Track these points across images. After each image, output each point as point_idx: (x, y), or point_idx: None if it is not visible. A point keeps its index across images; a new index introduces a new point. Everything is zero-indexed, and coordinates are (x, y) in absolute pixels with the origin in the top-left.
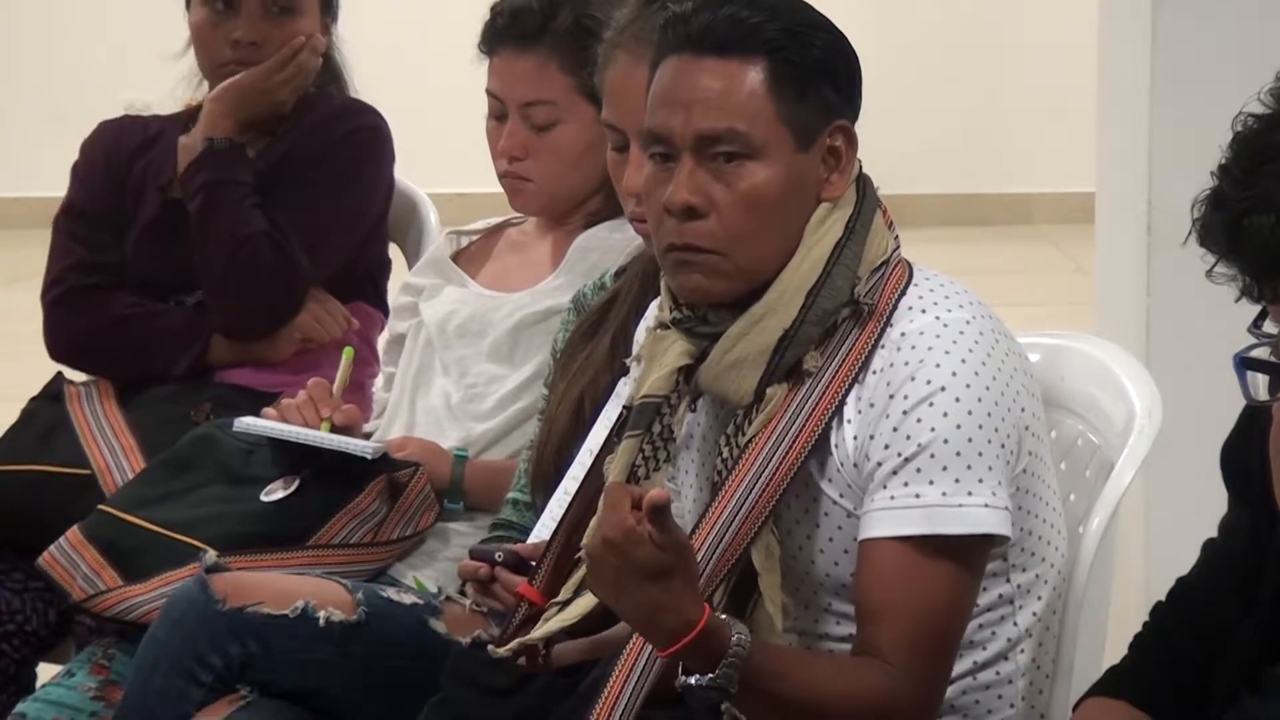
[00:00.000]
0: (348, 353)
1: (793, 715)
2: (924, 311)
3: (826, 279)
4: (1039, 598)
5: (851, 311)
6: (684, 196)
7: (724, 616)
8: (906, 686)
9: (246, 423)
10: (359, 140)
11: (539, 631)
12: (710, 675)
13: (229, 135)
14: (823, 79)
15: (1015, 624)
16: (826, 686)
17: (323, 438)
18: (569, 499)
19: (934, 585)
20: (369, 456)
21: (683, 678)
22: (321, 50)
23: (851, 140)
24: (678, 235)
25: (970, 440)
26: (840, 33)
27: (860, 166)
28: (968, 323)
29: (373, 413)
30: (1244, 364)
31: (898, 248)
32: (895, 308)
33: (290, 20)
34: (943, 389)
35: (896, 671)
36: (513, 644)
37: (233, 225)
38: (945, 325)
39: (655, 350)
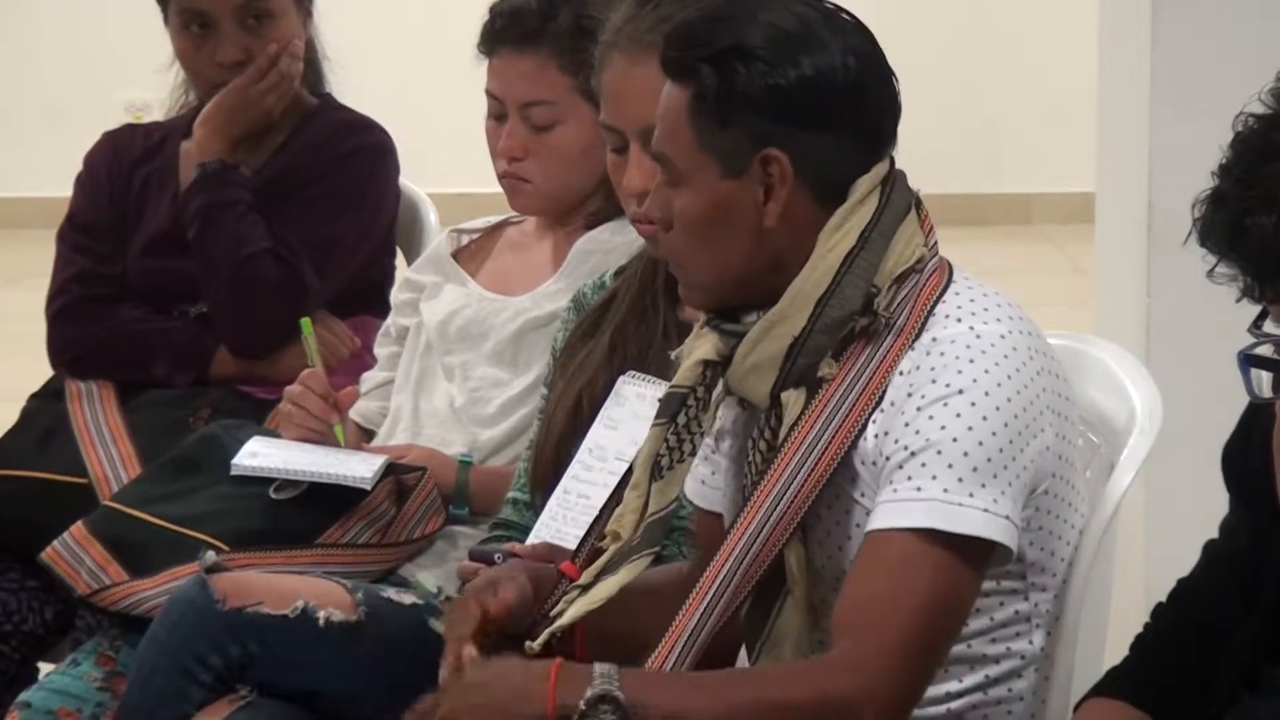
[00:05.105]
0: (305, 325)
1: None
2: (959, 320)
3: (836, 289)
4: (1057, 617)
5: (869, 322)
6: (646, 209)
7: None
8: (878, 684)
9: (243, 465)
10: (365, 158)
11: (566, 618)
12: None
13: (220, 156)
14: (747, 108)
15: (1031, 642)
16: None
17: (321, 472)
18: (570, 496)
19: (925, 581)
20: (369, 488)
21: None
22: (300, 53)
23: (786, 170)
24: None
25: (980, 444)
26: (801, 56)
27: (890, 167)
28: (1001, 337)
29: (360, 388)
30: (1248, 361)
31: (936, 255)
32: (931, 314)
33: (268, 26)
34: (960, 392)
35: (877, 667)
36: (543, 636)
37: (232, 247)
38: (978, 336)
39: (692, 345)
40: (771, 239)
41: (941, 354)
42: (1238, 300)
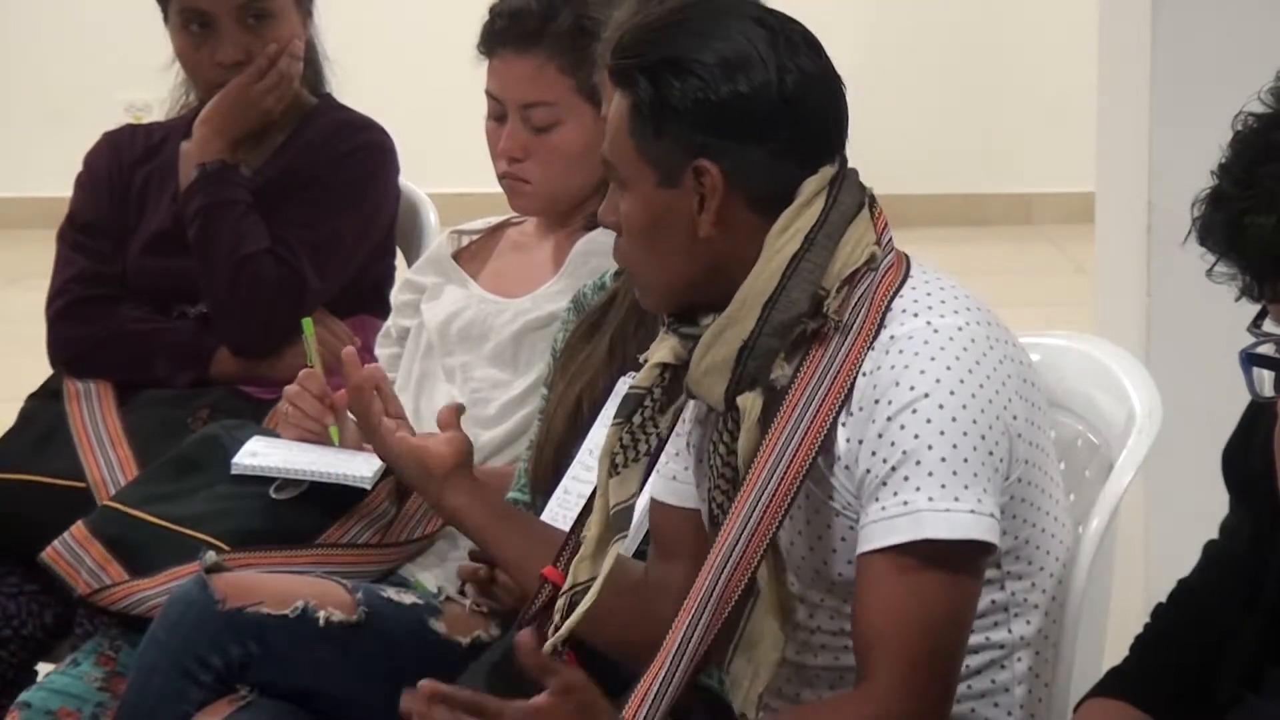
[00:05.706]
0: (307, 325)
1: None
2: (916, 315)
3: (782, 292)
4: (1035, 606)
5: (819, 324)
6: (601, 213)
7: None
8: (906, 705)
9: (243, 465)
10: (365, 158)
11: (566, 628)
12: None
13: (220, 156)
14: (679, 119)
15: (1010, 631)
16: None
17: (320, 471)
18: (570, 497)
19: (928, 594)
20: (368, 487)
21: None
22: (300, 53)
23: (716, 181)
24: None
25: (955, 446)
26: (737, 72)
27: (840, 169)
28: (959, 329)
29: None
30: (1250, 360)
31: (890, 252)
32: (888, 309)
33: (268, 26)
34: (926, 395)
35: (894, 692)
36: (549, 645)
37: (231, 246)
38: (936, 330)
39: (654, 347)
40: (709, 247)
41: (901, 352)
42: (1237, 299)
